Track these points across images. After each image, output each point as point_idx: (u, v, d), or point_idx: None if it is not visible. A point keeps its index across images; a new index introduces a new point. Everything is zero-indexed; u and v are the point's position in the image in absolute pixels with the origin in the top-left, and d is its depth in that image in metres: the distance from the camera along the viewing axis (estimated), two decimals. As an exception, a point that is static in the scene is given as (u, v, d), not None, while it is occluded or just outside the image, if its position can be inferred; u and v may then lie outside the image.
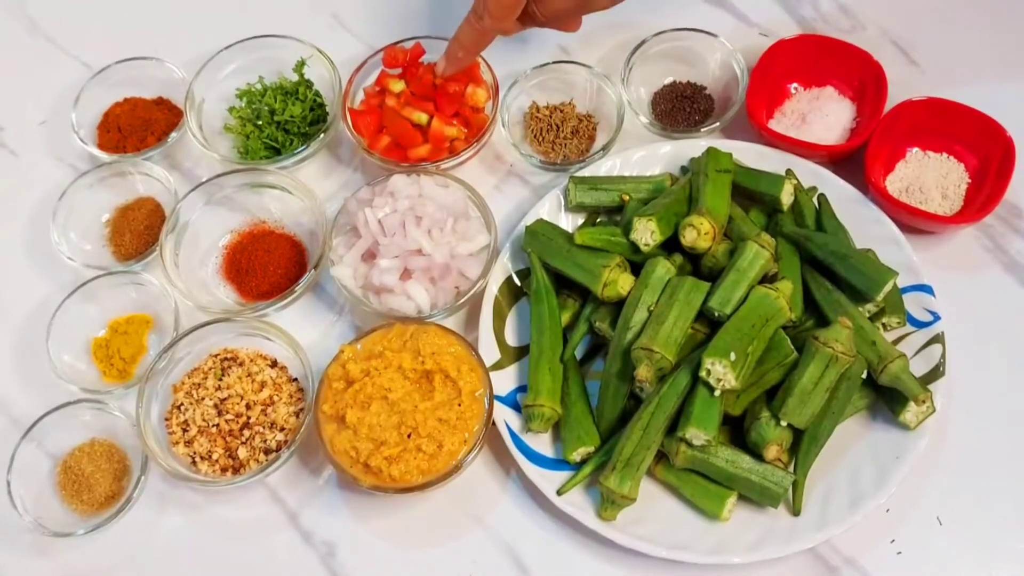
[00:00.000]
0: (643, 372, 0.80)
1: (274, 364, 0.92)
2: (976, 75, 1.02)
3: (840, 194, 0.92)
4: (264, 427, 0.88)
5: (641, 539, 0.80)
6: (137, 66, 1.09)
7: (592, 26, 0.97)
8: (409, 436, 0.81)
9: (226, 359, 0.92)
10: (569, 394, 0.86)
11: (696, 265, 0.89)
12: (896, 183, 0.96)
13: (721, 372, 0.77)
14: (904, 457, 0.80)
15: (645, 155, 0.97)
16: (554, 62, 1.04)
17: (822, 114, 0.99)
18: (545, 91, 1.05)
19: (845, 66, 0.99)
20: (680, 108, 1.03)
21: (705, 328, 0.84)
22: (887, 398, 0.83)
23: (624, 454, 0.80)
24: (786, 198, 0.90)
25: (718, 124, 1.00)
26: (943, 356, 0.84)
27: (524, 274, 0.93)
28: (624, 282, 0.86)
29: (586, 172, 0.96)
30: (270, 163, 1.00)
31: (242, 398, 0.89)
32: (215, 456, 0.87)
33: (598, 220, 0.95)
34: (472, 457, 0.82)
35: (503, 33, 0.94)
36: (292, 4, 1.17)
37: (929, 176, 0.95)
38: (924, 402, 0.80)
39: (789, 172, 0.92)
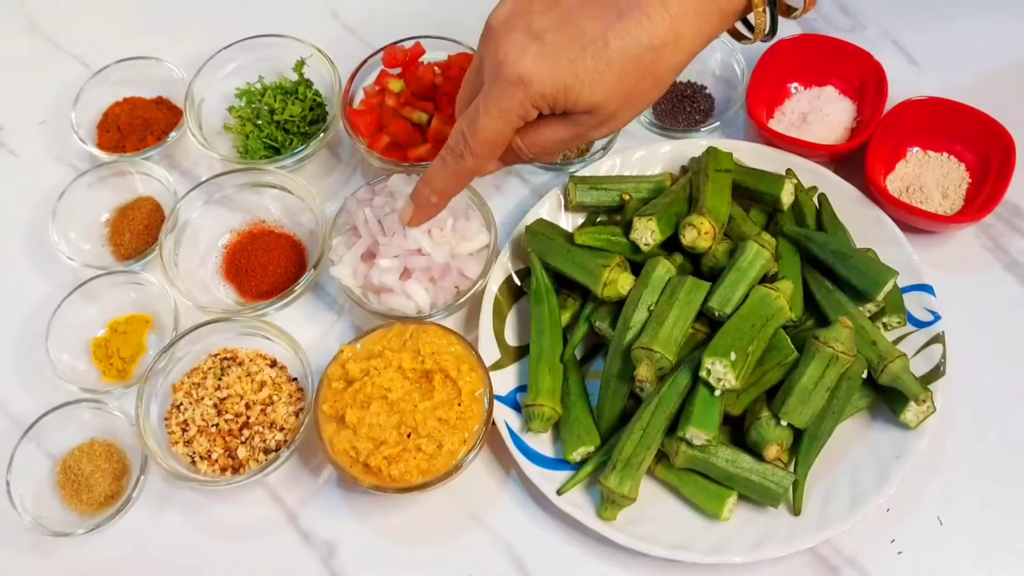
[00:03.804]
0: (643, 372, 0.80)
1: (274, 364, 0.92)
2: (976, 75, 1.02)
3: (840, 194, 0.92)
4: (264, 427, 0.88)
5: (641, 539, 0.80)
6: (137, 66, 1.09)
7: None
8: (409, 436, 0.81)
9: (225, 359, 0.92)
10: (569, 394, 0.86)
11: (696, 265, 0.89)
12: (896, 182, 0.96)
13: (721, 372, 0.77)
14: (904, 457, 0.80)
15: (645, 154, 0.97)
16: (554, 61, 1.04)
17: (822, 114, 0.99)
18: (545, 90, 1.04)
19: (845, 65, 0.99)
20: (680, 107, 1.03)
21: (705, 328, 0.84)
22: (887, 398, 0.83)
23: (624, 454, 0.80)
24: (786, 198, 0.90)
25: (718, 124, 1.00)
26: (943, 356, 0.84)
27: (524, 274, 0.93)
28: (624, 282, 0.86)
29: (586, 171, 0.96)
30: (270, 163, 1.00)
31: (241, 398, 0.89)
32: (214, 456, 0.87)
33: (598, 220, 0.95)
34: (472, 457, 0.82)
35: (480, 174, 0.83)
36: (292, 3, 1.17)
37: (929, 176, 0.95)
38: (924, 402, 0.80)
39: (789, 172, 0.92)
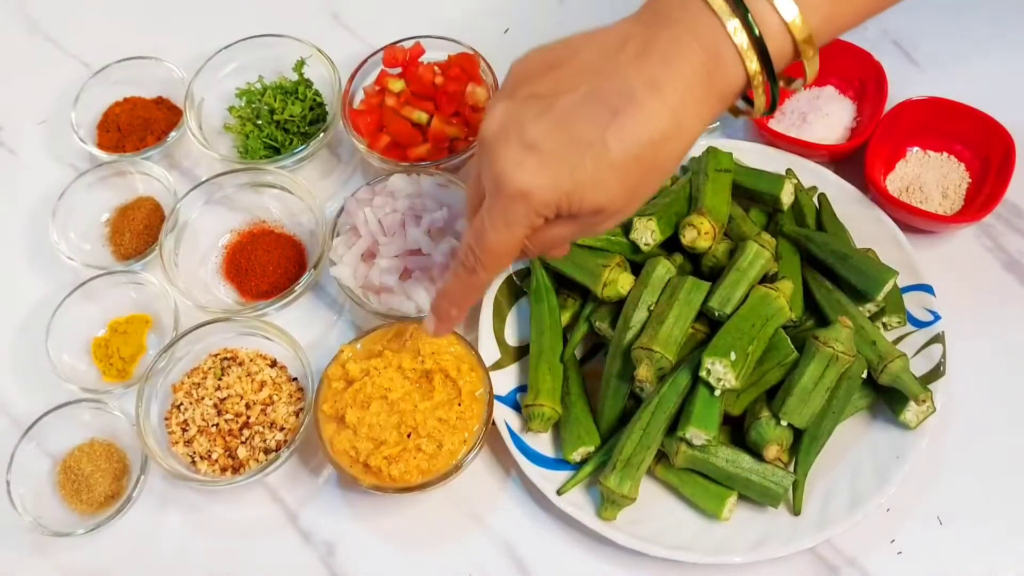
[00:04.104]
0: (643, 372, 0.80)
1: (274, 364, 0.92)
2: (976, 75, 1.02)
3: (840, 194, 0.92)
4: (264, 427, 0.88)
5: (641, 539, 0.80)
6: (137, 65, 1.09)
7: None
8: (409, 436, 0.81)
9: (226, 359, 0.92)
10: (569, 394, 0.86)
11: (696, 265, 0.89)
12: (896, 182, 0.96)
13: (721, 372, 0.77)
14: (904, 457, 0.80)
15: (645, 154, 0.96)
16: (554, 61, 1.04)
17: (822, 113, 0.99)
18: (545, 90, 1.04)
19: (845, 65, 0.99)
20: (680, 107, 1.02)
21: (705, 328, 0.84)
22: (887, 398, 0.83)
23: (624, 454, 0.80)
24: (786, 197, 0.90)
25: (718, 123, 1.00)
26: (943, 356, 0.84)
27: (524, 273, 0.93)
28: (624, 282, 0.86)
29: (586, 171, 0.96)
30: (270, 163, 1.00)
31: (242, 398, 0.89)
32: (215, 456, 0.87)
33: (598, 220, 0.95)
34: (472, 457, 0.82)
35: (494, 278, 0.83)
36: (292, 3, 1.17)
37: (929, 175, 0.95)
38: (924, 402, 0.80)
39: (789, 171, 0.92)
